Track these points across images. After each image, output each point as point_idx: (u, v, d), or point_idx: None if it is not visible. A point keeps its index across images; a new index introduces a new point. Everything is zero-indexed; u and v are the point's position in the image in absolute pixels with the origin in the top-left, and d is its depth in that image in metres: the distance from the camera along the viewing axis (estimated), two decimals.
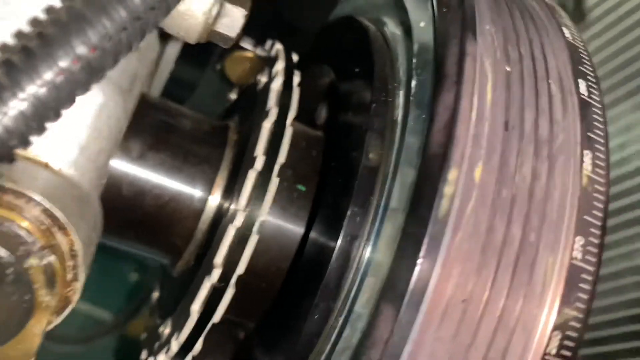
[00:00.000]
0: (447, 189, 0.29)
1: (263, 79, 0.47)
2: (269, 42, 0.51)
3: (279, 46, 0.48)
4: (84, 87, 0.26)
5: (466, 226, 0.30)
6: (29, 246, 0.27)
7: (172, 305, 0.46)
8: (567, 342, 0.31)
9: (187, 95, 0.61)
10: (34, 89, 0.24)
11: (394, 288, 0.29)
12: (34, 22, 0.28)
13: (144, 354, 0.47)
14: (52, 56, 0.24)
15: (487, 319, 0.31)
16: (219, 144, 0.47)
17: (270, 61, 0.48)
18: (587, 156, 0.34)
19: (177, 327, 0.42)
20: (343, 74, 0.48)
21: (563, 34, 0.38)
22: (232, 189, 0.45)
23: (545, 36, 0.37)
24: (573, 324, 0.31)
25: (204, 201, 0.45)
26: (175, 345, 0.41)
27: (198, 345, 0.40)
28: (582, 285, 0.32)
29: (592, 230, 0.32)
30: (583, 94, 0.35)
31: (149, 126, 0.45)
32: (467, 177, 0.30)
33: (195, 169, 0.45)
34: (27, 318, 0.27)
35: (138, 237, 0.47)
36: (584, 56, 0.38)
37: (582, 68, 0.37)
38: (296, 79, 0.45)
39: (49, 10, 0.28)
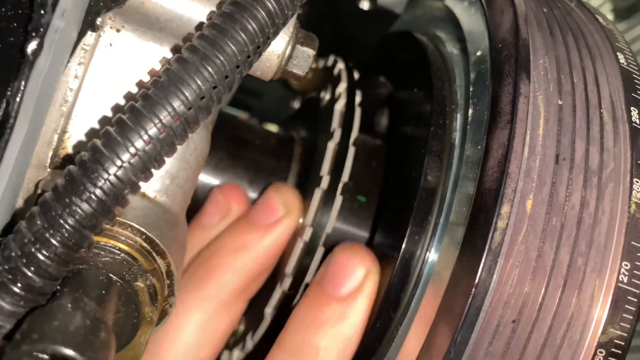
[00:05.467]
0: (500, 223, 0.32)
1: (326, 96, 0.50)
2: (331, 57, 0.54)
3: (341, 65, 0.50)
4: (182, 139, 0.30)
5: (517, 254, 0.33)
6: (135, 270, 0.32)
7: None
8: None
9: (254, 103, 0.65)
10: (142, 144, 0.29)
11: (451, 310, 0.32)
12: (139, 82, 0.32)
13: None
14: (157, 115, 0.29)
15: (535, 336, 0.33)
16: (286, 156, 0.51)
17: (331, 76, 0.51)
18: (637, 184, 0.36)
19: (252, 327, 0.47)
20: (401, 87, 0.50)
21: (617, 59, 0.40)
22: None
23: (599, 63, 0.39)
24: (617, 342, 0.34)
25: None
26: (250, 343, 0.46)
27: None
28: (627, 306, 0.34)
29: (639, 254, 0.35)
30: (635, 122, 0.37)
31: (224, 141, 0.49)
32: (519, 210, 0.33)
33: (265, 182, 0.49)
34: (135, 330, 0.32)
35: None
36: (637, 82, 0.39)
37: (635, 95, 0.38)
38: (358, 98, 0.48)
39: (150, 71, 0.32)
